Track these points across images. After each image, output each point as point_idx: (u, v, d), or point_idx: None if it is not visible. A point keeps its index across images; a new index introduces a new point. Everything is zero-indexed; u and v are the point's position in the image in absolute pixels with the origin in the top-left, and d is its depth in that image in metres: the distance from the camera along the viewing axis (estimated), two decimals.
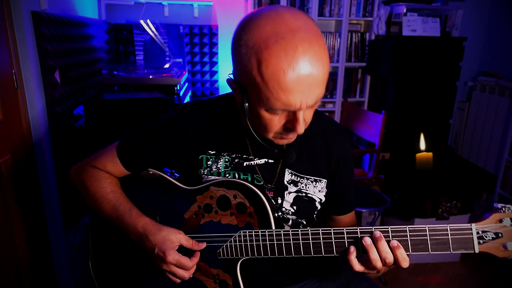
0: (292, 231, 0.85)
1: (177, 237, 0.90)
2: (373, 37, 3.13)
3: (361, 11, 3.06)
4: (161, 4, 2.89)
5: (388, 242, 0.79)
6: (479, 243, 0.76)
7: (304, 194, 0.96)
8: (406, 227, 0.79)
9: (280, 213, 0.96)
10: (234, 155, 0.95)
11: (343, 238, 0.82)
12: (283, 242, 0.86)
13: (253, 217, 0.89)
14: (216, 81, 3.10)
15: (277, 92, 0.71)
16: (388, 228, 0.80)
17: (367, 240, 0.79)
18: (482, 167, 3.17)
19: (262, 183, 0.95)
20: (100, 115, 1.78)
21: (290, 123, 0.79)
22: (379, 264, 0.79)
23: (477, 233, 0.76)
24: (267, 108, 0.76)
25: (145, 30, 2.81)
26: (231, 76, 0.82)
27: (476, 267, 2.44)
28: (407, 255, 0.79)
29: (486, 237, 0.76)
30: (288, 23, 0.71)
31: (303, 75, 0.70)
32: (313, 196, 0.97)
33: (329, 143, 0.97)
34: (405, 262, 0.79)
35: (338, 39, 3.12)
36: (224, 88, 3.15)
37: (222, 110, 0.96)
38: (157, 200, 0.99)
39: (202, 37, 2.98)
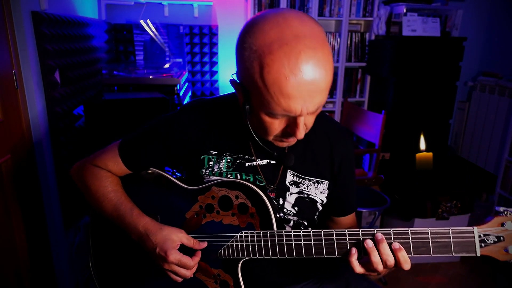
0: (293, 232, 0.85)
1: (178, 236, 0.90)
2: (373, 37, 3.13)
3: (361, 11, 3.06)
4: (161, 4, 2.89)
5: (390, 244, 0.79)
6: (481, 246, 0.76)
7: (305, 195, 0.96)
8: (408, 230, 0.79)
9: (281, 214, 0.96)
10: (236, 156, 0.95)
11: (345, 239, 0.82)
12: (284, 243, 0.86)
13: (255, 217, 0.89)
14: (216, 81, 3.10)
15: (278, 97, 0.71)
16: (390, 230, 0.80)
17: (369, 243, 0.79)
18: (482, 167, 3.17)
19: (264, 183, 0.95)
20: (100, 115, 1.78)
21: (290, 128, 0.79)
22: (380, 267, 0.79)
23: (479, 236, 0.76)
24: (268, 112, 0.76)
25: (145, 30, 2.81)
26: (234, 77, 0.81)
27: (476, 267, 2.44)
28: (408, 257, 0.79)
29: (488, 240, 0.76)
30: (293, 28, 0.70)
31: (305, 82, 0.69)
32: (315, 198, 0.97)
33: (332, 144, 0.97)
34: (406, 265, 0.79)
35: (338, 39, 3.12)
36: (224, 88, 3.15)
37: (224, 110, 0.96)
38: (158, 199, 0.99)
39: (202, 37, 2.98)
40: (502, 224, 0.76)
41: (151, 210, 0.96)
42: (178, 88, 2.25)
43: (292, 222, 0.97)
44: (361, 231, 0.81)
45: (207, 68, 3.06)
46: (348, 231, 0.82)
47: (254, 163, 0.95)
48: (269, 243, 0.87)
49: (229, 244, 0.91)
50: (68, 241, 1.85)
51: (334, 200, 1.01)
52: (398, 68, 2.85)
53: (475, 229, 0.76)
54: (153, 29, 2.81)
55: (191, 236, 0.93)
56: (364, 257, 0.81)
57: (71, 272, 1.86)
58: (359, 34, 3.17)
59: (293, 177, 0.95)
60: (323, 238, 0.83)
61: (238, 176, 0.94)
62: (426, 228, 0.78)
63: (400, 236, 0.79)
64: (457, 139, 3.52)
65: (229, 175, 0.94)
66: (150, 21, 2.79)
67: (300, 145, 0.93)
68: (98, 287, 1.07)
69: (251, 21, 0.76)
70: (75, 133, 1.90)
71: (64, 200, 1.77)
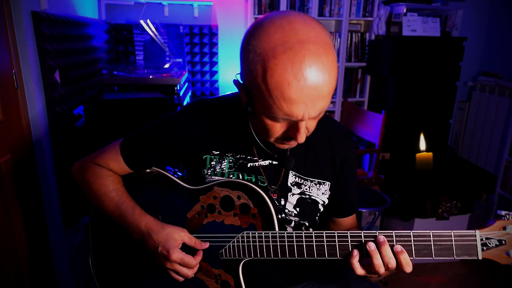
0: (295, 233, 0.85)
1: (181, 235, 0.90)
2: (373, 37, 3.13)
3: (361, 11, 3.06)
4: (161, 4, 2.89)
5: (392, 246, 0.79)
6: (482, 249, 0.77)
7: (307, 196, 0.96)
8: (410, 232, 0.79)
9: (283, 215, 0.96)
10: (238, 156, 0.95)
11: (347, 241, 0.82)
12: (286, 244, 0.86)
13: (256, 218, 0.89)
14: (216, 81, 3.10)
15: (280, 102, 0.71)
16: (392, 232, 0.80)
17: (371, 246, 0.79)
18: (482, 167, 3.17)
19: (266, 184, 0.95)
20: (100, 115, 1.78)
21: (291, 132, 0.79)
22: (382, 269, 0.79)
23: (481, 239, 0.77)
24: (269, 116, 0.76)
25: (145, 30, 2.81)
26: (238, 77, 0.81)
27: (476, 267, 2.44)
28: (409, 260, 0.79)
29: (489, 244, 0.77)
30: (298, 33, 0.69)
31: (307, 88, 0.69)
32: (317, 199, 0.97)
33: (334, 145, 0.97)
34: (408, 267, 0.79)
35: (338, 39, 3.12)
36: (224, 88, 3.15)
37: (227, 110, 0.96)
38: (160, 199, 0.99)
39: (202, 37, 2.98)
40: (504, 228, 0.76)
41: (152, 210, 0.96)
42: (178, 88, 2.25)
43: (293, 222, 0.97)
44: (363, 233, 0.81)
45: (207, 68, 3.06)
46: (350, 233, 0.82)
47: (256, 163, 0.95)
48: (271, 244, 0.87)
49: (231, 244, 0.91)
50: (68, 241, 1.85)
51: (336, 201, 1.01)
52: (398, 68, 2.85)
53: (477, 232, 0.77)
54: (153, 29, 2.81)
55: (193, 236, 0.93)
56: (365, 259, 0.81)
57: (71, 272, 1.86)
58: (359, 34, 3.17)
59: (295, 178, 0.95)
60: (325, 239, 0.83)
61: (240, 177, 0.94)
62: (428, 231, 0.78)
63: (402, 239, 0.79)
64: (457, 139, 3.52)
65: (231, 176, 0.94)
66: (150, 21, 2.79)
67: (302, 146, 0.93)
68: (98, 287, 1.07)
69: (256, 23, 0.75)
70: (75, 133, 1.90)
71: (64, 200, 1.77)
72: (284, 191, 0.95)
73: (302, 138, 0.78)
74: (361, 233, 0.81)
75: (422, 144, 2.49)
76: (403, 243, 0.79)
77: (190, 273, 0.90)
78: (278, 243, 0.86)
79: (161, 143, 0.95)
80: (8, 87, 1.41)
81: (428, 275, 2.38)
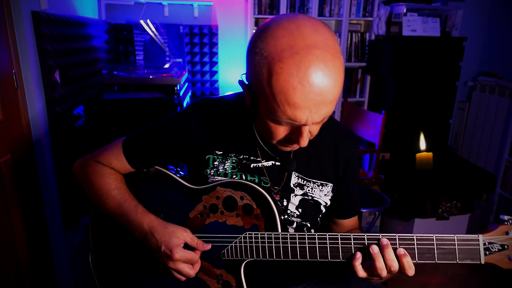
0: (298, 235, 0.85)
1: (183, 235, 0.90)
2: (373, 37, 3.14)
3: (361, 11, 3.06)
4: (161, 4, 2.89)
5: (395, 250, 0.79)
6: (485, 254, 0.77)
7: (310, 198, 0.96)
8: (413, 236, 0.79)
9: (285, 216, 0.96)
10: (241, 156, 0.95)
11: (350, 244, 0.82)
12: (289, 245, 0.86)
13: (259, 219, 0.89)
14: (216, 81, 3.10)
15: (284, 106, 0.71)
16: (395, 235, 0.80)
17: (375, 249, 0.79)
18: (482, 167, 3.17)
19: (269, 185, 0.95)
20: (100, 115, 1.78)
21: (294, 135, 0.79)
22: (384, 272, 0.79)
23: (484, 244, 0.77)
24: (273, 119, 0.76)
25: (145, 30, 2.81)
26: (244, 77, 0.81)
27: (476, 267, 2.44)
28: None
29: (492, 248, 0.78)
30: (305, 37, 0.69)
31: (312, 93, 0.69)
32: (319, 200, 0.97)
33: (337, 147, 0.97)
34: (411, 271, 0.79)
35: (338, 39, 3.11)
36: (224, 88, 3.15)
37: (231, 110, 0.95)
38: (162, 198, 0.98)
39: (202, 37, 2.98)
40: (507, 233, 0.78)
41: (154, 208, 0.95)
42: (178, 88, 2.25)
43: (295, 223, 0.97)
44: (366, 235, 0.82)
45: (207, 68, 3.06)
46: (353, 235, 0.82)
47: (259, 164, 0.94)
48: (274, 245, 0.87)
49: (233, 244, 0.91)
50: (68, 241, 1.85)
51: (338, 203, 1.01)
52: (398, 68, 2.85)
53: (480, 237, 0.77)
54: (153, 29, 2.81)
55: (195, 235, 0.93)
56: (367, 261, 0.81)
57: (71, 272, 1.86)
58: (359, 34, 3.17)
59: (298, 179, 0.95)
60: (328, 241, 0.83)
61: (243, 177, 0.94)
62: (432, 235, 0.79)
63: (405, 242, 0.80)
64: (457, 139, 3.52)
65: (234, 176, 0.94)
66: (150, 21, 2.79)
67: (305, 148, 0.93)
68: (98, 286, 1.07)
69: (264, 25, 0.75)
70: (75, 133, 1.90)
71: (64, 200, 1.77)
72: (287, 192, 0.95)
73: (304, 142, 0.78)
74: (364, 235, 0.82)
75: (422, 144, 2.49)
76: (406, 246, 0.79)
77: (191, 273, 0.90)
78: (281, 244, 0.86)
79: (164, 143, 0.95)
80: (8, 87, 1.41)
81: (428, 275, 2.38)
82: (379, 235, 0.81)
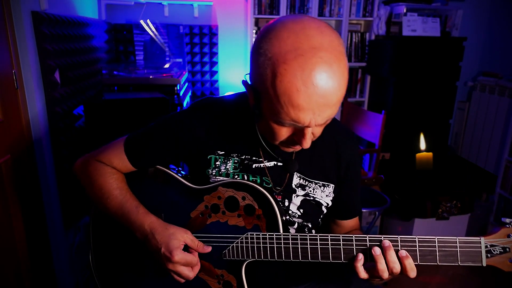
0: (300, 235, 0.85)
1: (183, 237, 0.90)
2: (373, 37, 3.13)
3: (361, 11, 3.06)
4: (161, 4, 2.89)
5: (397, 251, 0.79)
6: (487, 256, 0.78)
7: (311, 198, 0.96)
8: (415, 238, 0.79)
9: (287, 216, 0.96)
10: (243, 157, 0.94)
11: (352, 245, 0.82)
12: (290, 246, 0.86)
13: (261, 219, 0.89)
14: (216, 81, 3.10)
15: (287, 107, 0.71)
16: (397, 237, 0.80)
17: (377, 250, 0.79)
18: (482, 167, 3.17)
19: (271, 185, 0.95)
20: (100, 115, 1.78)
21: (297, 137, 0.79)
22: (385, 274, 0.79)
23: (486, 246, 0.78)
24: (276, 120, 0.76)
25: (145, 30, 2.81)
26: (247, 78, 0.81)
27: (476, 267, 2.44)
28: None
29: (494, 251, 0.78)
30: (310, 39, 0.68)
31: (316, 96, 0.69)
32: (320, 201, 0.97)
33: (339, 148, 0.97)
34: (412, 272, 0.79)
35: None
36: (224, 88, 3.15)
37: (233, 110, 0.95)
38: (163, 197, 0.98)
39: (202, 37, 2.98)
40: (508, 236, 0.78)
41: (155, 208, 0.95)
42: (178, 88, 2.25)
43: (296, 224, 0.97)
44: (368, 237, 0.81)
45: (207, 68, 3.06)
46: (355, 236, 0.82)
47: (261, 164, 0.94)
48: (275, 245, 0.87)
49: (235, 245, 0.90)
50: (68, 241, 1.85)
51: (339, 204, 1.01)
52: (398, 68, 2.85)
53: (482, 239, 0.78)
54: (153, 29, 2.81)
55: (196, 236, 0.93)
56: (369, 262, 0.81)
57: (71, 272, 1.86)
58: (359, 34, 3.17)
59: (300, 179, 0.95)
60: (329, 243, 0.83)
61: (245, 177, 0.94)
62: (434, 237, 0.79)
63: (407, 244, 0.80)
64: (457, 139, 3.52)
65: (236, 176, 0.94)
66: (150, 21, 2.79)
67: (307, 148, 0.93)
68: (99, 286, 1.07)
69: (269, 25, 0.74)
70: (75, 133, 1.90)
71: (64, 200, 1.77)
72: (289, 193, 0.95)
73: (307, 143, 0.78)
74: (366, 237, 0.82)
75: (422, 144, 2.50)
76: (408, 248, 0.79)
77: (190, 275, 0.90)
78: (283, 245, 0.86)
79: (166, 142, 0.95)
80: (8, 87, 1.41)
81: (428, 275, 2.38)
82: (381, 237, 0.81)
